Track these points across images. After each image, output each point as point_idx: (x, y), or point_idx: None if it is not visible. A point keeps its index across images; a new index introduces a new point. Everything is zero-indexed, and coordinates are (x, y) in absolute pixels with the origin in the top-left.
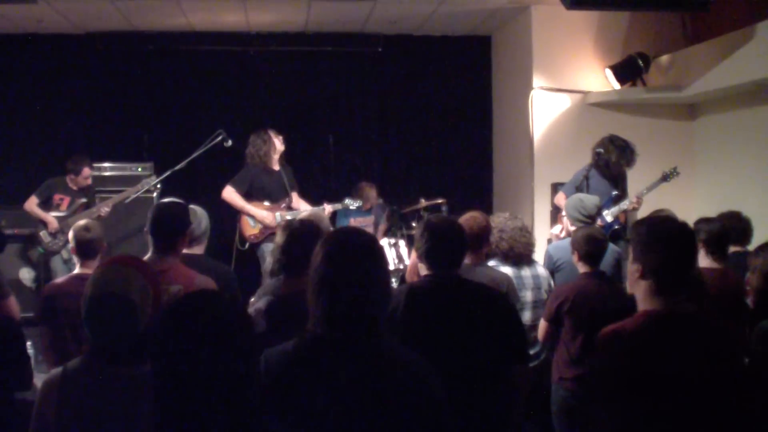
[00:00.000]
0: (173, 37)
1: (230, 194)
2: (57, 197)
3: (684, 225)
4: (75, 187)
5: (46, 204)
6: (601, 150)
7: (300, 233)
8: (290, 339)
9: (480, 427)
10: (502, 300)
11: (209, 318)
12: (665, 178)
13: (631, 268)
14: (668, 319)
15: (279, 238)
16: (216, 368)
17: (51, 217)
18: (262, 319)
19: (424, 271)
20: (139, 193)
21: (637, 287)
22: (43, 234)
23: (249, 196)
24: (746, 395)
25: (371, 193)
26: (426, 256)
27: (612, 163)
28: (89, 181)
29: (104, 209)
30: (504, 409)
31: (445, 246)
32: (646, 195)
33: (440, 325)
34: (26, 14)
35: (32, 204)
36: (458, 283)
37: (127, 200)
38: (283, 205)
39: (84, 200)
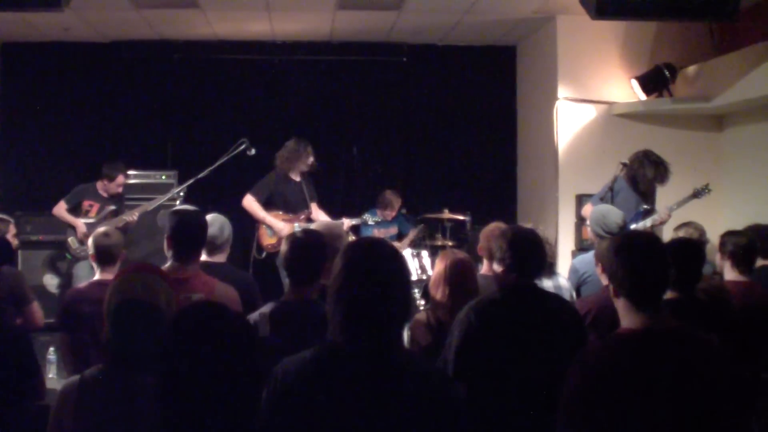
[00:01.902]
0: (198, 46)
1: (250, 203)
2: (86, 203)
3: (649, 237)
4: (105, 194)
5: (75, 210)
6: (634, 164)
7: (303, 243)
8: (290, 344)
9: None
10: (573, 309)
11: (212, 330)
12: (696, 195)
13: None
14: (641, 338)
15: (283, 248)
16: (219, 381)
17: (80, 222)
18: (265, 324)
19: (500, 278)
20: (163, 200)
21: (617, 306)
22: (71, 240)
23: (269, 204)
24: (731, 410)
25: (395, 201)
26: (511, 266)
27: (647, 179)
28: (120, 190)
29: (131, 217)
30: None
31: (530, 255)
32: (675, 210)
33: (528, 331)
34: (52, 22)
35: (61, 209)
36: (538, 291)
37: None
38: (302, 216)
39: (113, 207)
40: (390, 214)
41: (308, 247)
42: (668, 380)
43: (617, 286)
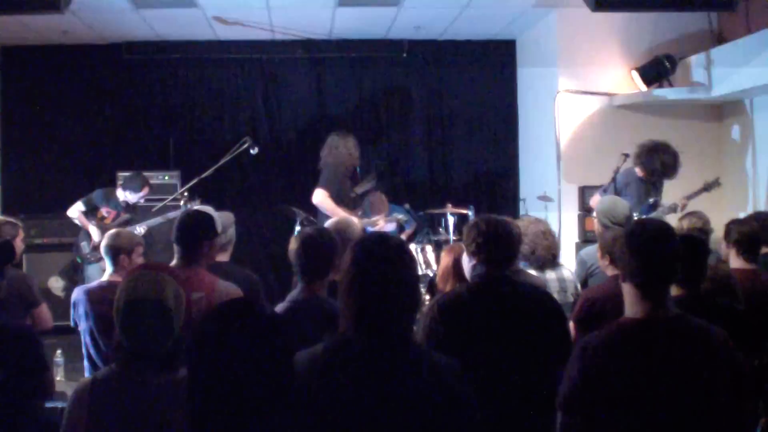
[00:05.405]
0: (198, 46)
1: (324, 198)
2: (104, 210)
3: (661, 225)
4: (125, 204)
5: (91, 214)
6: (644, 156)
7: (314, 241)
8: (303, 344)
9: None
10: (551, 300)
11: (246, 326)
12: (707, 188)
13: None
14: (644, 326)
15: (293, 245)
16: (253, 376)
17: (96, 230)
18: None
19: (472, 271)
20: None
21: (624, 293)
22: (84, 245)
23: (336, 200)
24: (732, 396)
25: (376, 201)
26: (480, 256)
27: (660, 169)
28: (143, 201)
29: (139, 229)
30: (548, 410)
31: (499, 246)
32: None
33: (496, 325)
34: (52, 25)
35: (77, 211)
36: (510, 283)
37: (154, 209)
38: (360, 212)
39: (128, 217)
40: (376, 221)
41: (319, 244)
42: (670, 368)
43: (626, 272)
